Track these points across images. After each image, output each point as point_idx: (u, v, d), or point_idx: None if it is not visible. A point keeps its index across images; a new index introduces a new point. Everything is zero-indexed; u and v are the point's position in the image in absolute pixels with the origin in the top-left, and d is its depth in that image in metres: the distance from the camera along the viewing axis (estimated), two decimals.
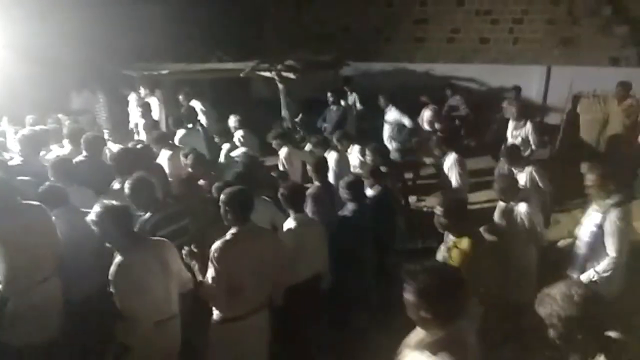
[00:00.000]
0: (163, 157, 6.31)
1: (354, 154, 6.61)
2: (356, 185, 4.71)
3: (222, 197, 3.65)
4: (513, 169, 5.76)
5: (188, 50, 9.44)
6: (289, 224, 4.19)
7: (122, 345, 3.52)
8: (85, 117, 8.33)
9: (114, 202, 3.51)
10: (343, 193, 4.67)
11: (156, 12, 9.16)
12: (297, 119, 9.06)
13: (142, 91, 9.42)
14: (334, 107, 8.72)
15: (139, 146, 6.04)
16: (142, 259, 3.46)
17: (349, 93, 9.93)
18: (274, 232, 4.23)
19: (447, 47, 11.49)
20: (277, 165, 6.65)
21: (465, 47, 11.36)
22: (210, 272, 3.53)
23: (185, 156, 5.56)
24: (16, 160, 5.75)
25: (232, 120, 7.35)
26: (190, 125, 7.54)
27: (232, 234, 3.61)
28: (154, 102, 9.10)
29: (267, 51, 9.96)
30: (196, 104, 8.62)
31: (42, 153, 6.07)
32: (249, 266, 3.59)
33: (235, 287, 3.56)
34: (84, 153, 5.67)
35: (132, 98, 9.47)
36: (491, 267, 3.74)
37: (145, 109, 8.59)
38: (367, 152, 6.21)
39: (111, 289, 3.39)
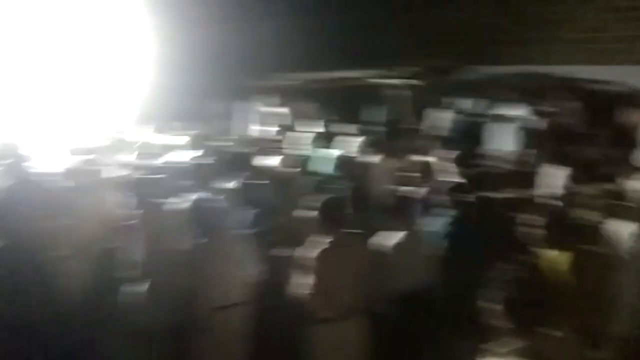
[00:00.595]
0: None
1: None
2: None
3: (318, 205, 3.80)
4: None
5: (316, 60, 9.75)
6: (392, 233, 4.21)
7: (192, 328, 3.82)
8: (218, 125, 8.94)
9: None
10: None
11: (286, 25, 9.62)
12: (420, 127, 8.97)
13: (272, 101, 9.89)
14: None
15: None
16: (217, 247, 3.81)
17: (475, 99, 9.61)
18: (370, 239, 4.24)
19: (584, 48, 10.63)
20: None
21: (606, 47, 10.43)
22: (306, 276, 3.70)
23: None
24: None
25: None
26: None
27: (330, 239, 3.72)
28: (284, 112, 9.53)
29: (389, 58, 9.95)
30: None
31: None
32: (343, 272, 3.68)
33: (330, 291, 3.67)
34: None
35: (263, 108, 9.98)
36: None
37: (274, 119, 9.07)
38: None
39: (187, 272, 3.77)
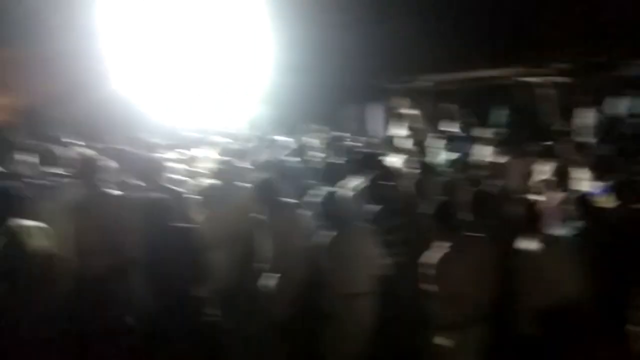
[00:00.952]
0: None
1: None
2: None
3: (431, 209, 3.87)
4: None
5: (444, 60, 9.50)
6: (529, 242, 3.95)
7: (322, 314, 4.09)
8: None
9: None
10: None
11: (412, 26, 9.52)
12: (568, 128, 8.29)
13: (401, 103, 9.80)
14: None
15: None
16: (347, 238, 4.13)
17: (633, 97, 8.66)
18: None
19: None
20: None
21: None
22: (432, 279, 3.70)
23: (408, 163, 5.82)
24: None
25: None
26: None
27: (450, 242, 3.72)
28: (412, 114, 9.41)
29: (529, 56, 9.31)
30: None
31: None
32: (467, 274, 3.65)
33: (452, 296, 3.66)
34: None
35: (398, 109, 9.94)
36: None
37: (405, 120, 8.98)
38: None
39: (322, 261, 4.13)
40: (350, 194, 4.57)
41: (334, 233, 4.16)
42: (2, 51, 8.59)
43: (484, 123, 8.05)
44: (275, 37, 9.28)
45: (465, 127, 8.55)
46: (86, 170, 4.55)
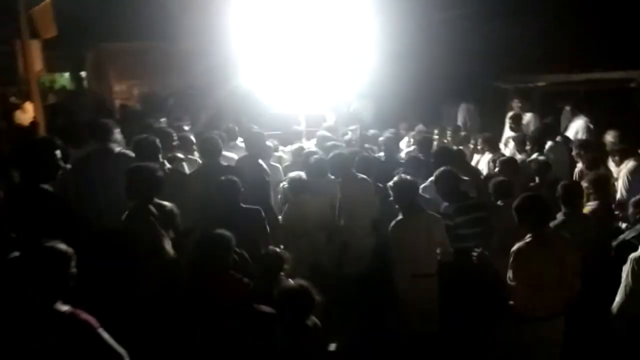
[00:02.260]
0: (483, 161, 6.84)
1: None
2: None
3: (516, 204, 3.89)
4: None
5: (567, 60, 9.01)
6: None
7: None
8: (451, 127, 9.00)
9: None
10: None
11: (533, 25, 9.14)
12: None
13: (516, 104, 9.46)
14: None
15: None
16: (414, 223, 4.55)
17: None
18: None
19: None
20: None
21: None
22: (511, 272, 3.82)
23: (494, 161, 5.65)
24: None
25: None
26: (558, 139, 7.29)
27: (532, 236, 3.80)
28: (527, 116, 9.03)
29: None
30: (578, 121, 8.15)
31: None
32: (547, 269, 3.76)
33: (535, 288, 3.74)
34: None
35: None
36: None
37: (516, 122, 8.64)
38: None
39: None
40: (417, 182, 4.88)
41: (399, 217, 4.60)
42: (137, 44, 9.84)
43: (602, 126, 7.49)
44: (383, 29, 9.47)
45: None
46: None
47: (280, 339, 3.21)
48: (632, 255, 3.79)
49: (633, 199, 4.39)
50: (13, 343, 2.58)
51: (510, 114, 9.12)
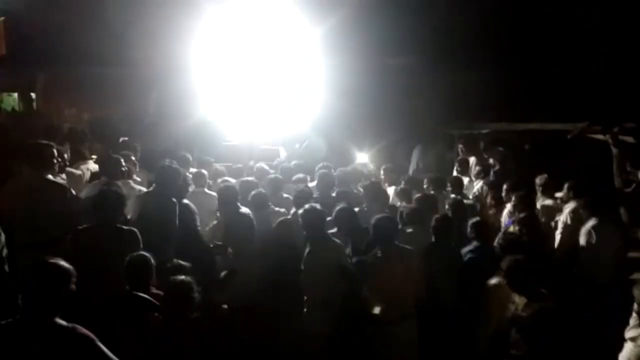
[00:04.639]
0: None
1: None
2: None
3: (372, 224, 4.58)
4: None
5: (510, 110, 9.51)
6: None
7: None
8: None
9: None
10: None
11: (475, 77, 9.67)
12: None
13: (461, 149, 9.85)
14: None
15: None
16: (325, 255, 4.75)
17: None
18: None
19: None
20: None
21: None
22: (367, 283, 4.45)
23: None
24: None
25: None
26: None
27: (380, 251, 4.50)
28: (471, 160, 9.42)
29: (600, 112, 9.11)
30: None
31: None
32: (394, 278, 4.34)
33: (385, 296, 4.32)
34: None
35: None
36: None
37: (463, 165, 9.02)
38: None
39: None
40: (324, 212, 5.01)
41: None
42: (90, 68, 9.77)
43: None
44: (339, 68, 9.77)
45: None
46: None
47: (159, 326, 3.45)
48: (489, 283, 4.23)
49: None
50: (15, 357, 2.67)
51: (458, 158, 9.53)
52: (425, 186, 7.27)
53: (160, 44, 9.19)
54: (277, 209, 5.99)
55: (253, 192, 5.80)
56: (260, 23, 10.02)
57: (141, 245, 4.18)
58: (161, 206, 4.95)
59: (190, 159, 7.36)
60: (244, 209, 5.55)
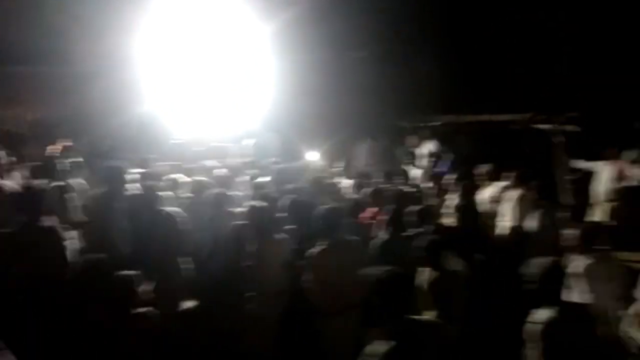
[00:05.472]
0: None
1: None
2: None
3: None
4: None
5: (461, 102, 9.62)
6: None
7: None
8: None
9: None
10: None
11: (430, 69, 9.77)
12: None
13: (414, 141, 9.93)
14: None
15: None
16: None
17: None
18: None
19: None
20: None
21: None
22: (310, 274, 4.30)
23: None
24: None
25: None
26: None
27: (326, 244, 4.36)
28: (421, 152, 9.52)
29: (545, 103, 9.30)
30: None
31: None
32: (338, 270, 4.24)
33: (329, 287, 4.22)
34: None
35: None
36: None
37: (412, 157, 9.15)
38: None
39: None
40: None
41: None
42: (26, 68, 9.37)
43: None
44: (291, 64, 9.68)
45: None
46: None
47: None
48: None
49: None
50: None
51: (408, 149, 9.64)
52: (374, 179, 7.26)
53: (104, 39, 8.87)
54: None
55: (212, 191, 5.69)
56: (207, 18, 9.85)
57: None
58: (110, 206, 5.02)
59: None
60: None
